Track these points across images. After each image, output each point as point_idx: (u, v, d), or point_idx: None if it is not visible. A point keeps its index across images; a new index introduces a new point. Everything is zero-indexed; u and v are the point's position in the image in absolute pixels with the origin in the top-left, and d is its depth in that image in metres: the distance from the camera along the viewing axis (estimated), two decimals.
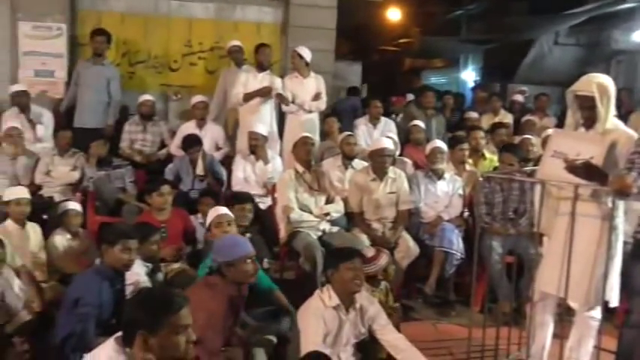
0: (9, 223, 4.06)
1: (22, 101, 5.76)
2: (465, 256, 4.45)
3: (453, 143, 5.28)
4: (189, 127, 5.83)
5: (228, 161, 5.83)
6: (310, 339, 2.86)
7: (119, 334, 2.02)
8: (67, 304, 3.05)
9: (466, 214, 4.87)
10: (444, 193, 4.82)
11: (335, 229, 4.47)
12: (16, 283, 3.32)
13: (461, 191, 4.85)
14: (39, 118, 5.88)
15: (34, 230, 4.18)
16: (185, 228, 4.31)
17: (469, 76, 14.39)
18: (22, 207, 4.09)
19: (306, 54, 5.83)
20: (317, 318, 2.97)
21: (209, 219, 3.71)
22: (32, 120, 5.81)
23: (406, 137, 6.17)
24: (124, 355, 1.96)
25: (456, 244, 4.43)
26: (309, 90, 5.89)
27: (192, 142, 5.31)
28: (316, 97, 5.91)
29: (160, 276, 3.81)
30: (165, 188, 4.24)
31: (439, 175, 4.84)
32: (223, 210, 3.75)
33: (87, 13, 6.52)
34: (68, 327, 2.98)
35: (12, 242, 3.68)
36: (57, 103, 6.38)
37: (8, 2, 6.29)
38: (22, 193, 4.19)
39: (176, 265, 3.97)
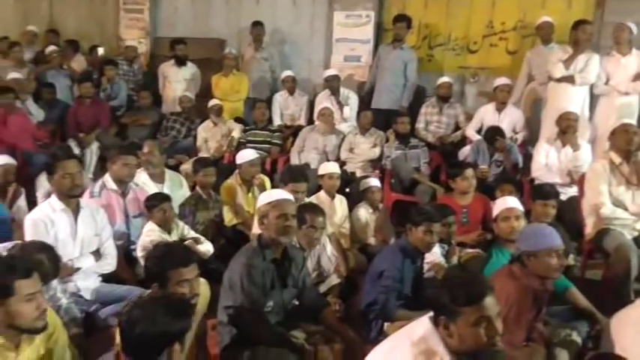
0: (321, 194, 4.52)
1: (333, 85, 6.37)
2: None
3: None
4: (488, 110, 5.71)
5: (524, 146, 5.58)
6: (631, 355, 2.52)
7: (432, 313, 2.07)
8: (372, 274, 3.26)
9: None
10: None
11: None
12: (329, 249, 3.69)
13: None
14: (346, 100, 6.44)
15: (340, 202, 4.59)
16: (485, 214, 4.21)
17: None
18: (333, 180, 4.52)
19: (635, 29, 5.15)
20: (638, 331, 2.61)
21: (496, 210, 3.49)
22: (340, 102, 6.38)
23: None
24: (437, 335, 2.00)
25: None
26: (627, 69, 5.20)
27: (494, 133, 5.21)
28: (637, 77, 5.19)
29: (455, 259, 3.84)
30: (469, 172, 4.20)
31: None
32: (512, 203, 3.47)
33: (393, 0, 6.83)
34: (372, 296, 3.19)
35: None
36: (360, 85, 6.89)
37: None
38: (335, 168, 4.62)
39: (470, 250, 3.95)
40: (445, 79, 6.16)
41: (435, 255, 3.64)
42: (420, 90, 6.57)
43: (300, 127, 6.35)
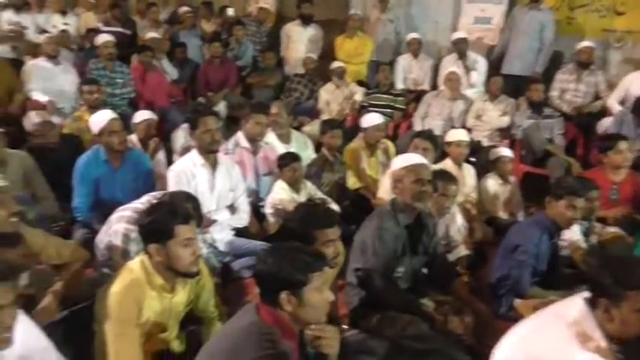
0: (447, 162, 4.37)
1: (461, 48, 6.11)
2: None
3: None
4: (636, 79, 5.22)
5: None
6: None
7: (586, 294, 1.93)
8: (505, 248, 3.11)
9: None
10: None
11: None
12: (459, 219, 3.58)
13: None
14: (474, 65, 6.16)
15: (468, 171, 4.42)
16: (636, 193, 3.87)
17: None
18: (461, 148, 4.34)
19: None
20: None
21: None
22: (468, 66, 6.11)
23: None
24: (592, 318, 1.87)
25: None
26: None
27: None
28: None
29: (594, 238, 3.59)
30: (623, 144, 3.80)
31: None
32: None
33: None
34: (504, 270, 3.06)
35: None
36: (490, 49, 6.54)
37: None
38: (463, 136, 4.43)
39: (612, 229, 3.67)
40: (586, 43, 5.66)
41: (573, 232, 3.41)
42: (556, 55, 6.13)
43: (423, 92, 6.16)
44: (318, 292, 1.86)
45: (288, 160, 3.73)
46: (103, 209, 3.40)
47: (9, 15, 7.58)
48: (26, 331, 1.81)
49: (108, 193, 3.51)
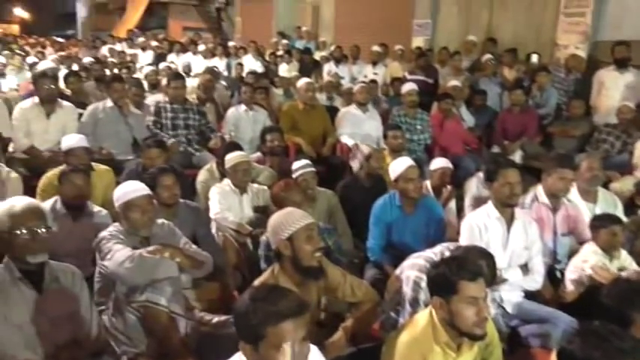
0: None
1: None
2: None
3: None
4: None
5: None
6: None
7: None
8: None
9: None
10: None
11: None
12: None
13: None
14: None
15: None
16: None
17: None
18: None
19: None
20: None
21: None
22: None
23: None
24: None
25: None
26: None
27: None
28: None
29: None
30: None
31: None
32: None
33: None
34: None
35: None
36: None
37: None
38: None
39: None
40: None
41: None
42: None
43: None
44: None
45: (607, 221, 3.31)
46: (394, 252, 3.51)
47: (330, 66, 8.65)
48: None
49: (399, 236, 3.63)
